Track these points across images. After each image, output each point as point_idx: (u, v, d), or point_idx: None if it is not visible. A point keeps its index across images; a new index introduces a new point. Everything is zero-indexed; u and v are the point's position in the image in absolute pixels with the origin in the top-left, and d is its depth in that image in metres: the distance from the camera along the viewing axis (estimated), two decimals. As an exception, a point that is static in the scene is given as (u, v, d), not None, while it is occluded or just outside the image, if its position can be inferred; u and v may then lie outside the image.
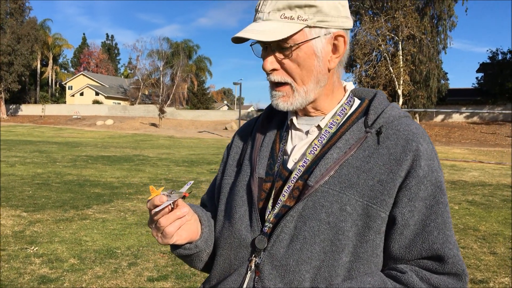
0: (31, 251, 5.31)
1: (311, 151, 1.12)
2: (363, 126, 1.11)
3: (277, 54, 1.09)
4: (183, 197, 1.04)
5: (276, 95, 1.12)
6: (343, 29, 1.10)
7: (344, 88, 1.21)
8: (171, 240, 1.06)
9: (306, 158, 1.12)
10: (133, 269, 4.82)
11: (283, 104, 1.12)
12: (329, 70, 1.12)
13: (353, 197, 1.03)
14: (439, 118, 39.04)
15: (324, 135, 1.13)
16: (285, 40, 1.05)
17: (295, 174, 1.10)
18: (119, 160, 16.20)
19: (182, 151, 21.56)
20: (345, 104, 1.17)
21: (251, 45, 1.14)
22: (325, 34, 1.08)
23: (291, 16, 1.05)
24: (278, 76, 1.10)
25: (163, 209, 1.02)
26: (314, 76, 1.09)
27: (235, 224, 1.14)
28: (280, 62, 1.09)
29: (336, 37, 1.10)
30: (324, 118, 1.15)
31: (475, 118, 37.55)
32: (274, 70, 1.10)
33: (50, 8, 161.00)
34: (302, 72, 1.08)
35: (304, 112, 1.18)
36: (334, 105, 1.17)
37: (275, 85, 1.12)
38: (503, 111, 31.77)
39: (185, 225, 1.09)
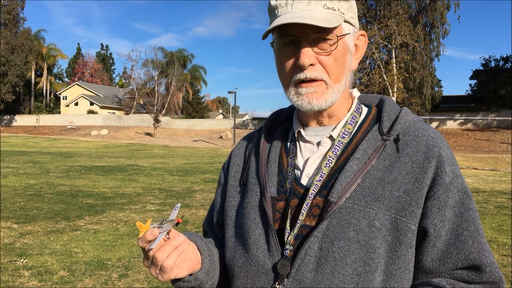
0: (21, 264, 5.25)
1: (326, 164, 1.03)
2: (379, 134, 1.04)
3: (315, 48, 0.99)
4: (177, 224, 0.96)
5: (307, 92, 1.01)
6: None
7: (350, 95, 1.14)
8: (172, 275, 0.96)
9: (322, 172, 1.03)
10: (124, 281, 4.77)
11: (317, 102, 1.01)
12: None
13: (380, 211, 0.96)
14: (433, 125, 39.17)
15: (338, 146, 1.05)
16: (331, 30, 0.98)
17: (313, 190, 1.02)
18: (113, 170, 16.12)
19: (177, 160, 21.49)
20: (355, 111, 1.10)
21: (273, 41, 1.05)
22: (354, 32, 1.04)
23: (333, 7, 0.99)
24: (314, 72, 1.00)
25: (158, 242, 0.93)
26: (345, 75, 1.03)
27: (250, 250, 1.05)
28: (316, 57, 0.99)
29: (358, 37, 1.06)
30: (335, 128, 1.08)
31: (469, 125, 37.69)
32: (310, 65, 1.00)
33: (44, 18, 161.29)
34: (338, 68, 1.01)
35: (316, 120, 1.10)
36: (345, 113, 1.09)
37: (307, 81, 1.01)
38: (497, 118, 31.97)
39: (184, 255, 0.99)
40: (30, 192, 10.53)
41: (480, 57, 57.19)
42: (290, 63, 1.02)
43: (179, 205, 1.05)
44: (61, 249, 5.92)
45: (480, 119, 36.49)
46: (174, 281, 1.03)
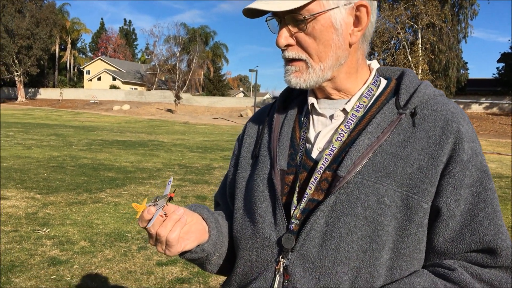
0: (43, 233, 5.37)
1: (338, 137, 1.01)
2: (395, 107, 1.00)
3: (292, 28, 0.98)
4: (170, 199, 0.97)
5: (289, 70, 1.02)
6: None
7: (369, 67, 1.10)
8: (179, 247, 0.96)
9: (332, 146, 1.00)
10: (143, 253, 4.84)
11: (295, 80, 1.01)
12: (350, 46, 1.00)
13: (391, 187, 0.93)
14: (458, 108, 38.45)
15: (351, 120, 1.02)
16: (299, 10, 0.94)
17: (322, 164, 0.99)
18: (134, 145, 16.31)
19: (197, 137, 21.62)
20: (372, 84, 1.06)
21: (266, 20, 1.03)
22: (345, 5, 0.97)
23: None
24: (292, 52, 1.00)
25: (156, 219, 0.95)
26: (332, 52, 0.98)
27: (257, 222, 1.04)
28: (295, 37, 0.98)
29: (358, 8, 0.98)
30: (349, 100, 1.04)
31: (495, 109, 36.86)
32: (288, 45, 1.00)
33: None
34: (319, 47, 0.98)
35: (324, 94, 1.07)
36: (359, 86, 1.05)
37: (289, 61, 1.02)
38: (524, 103, 31.17)
39: (189, 227, 0.99)
40: (53, 164, 10.73)
41: (509, 40, 55.60)
42: None
43: (171, 179, 1.04)
44: (82, 220, 6.04)
45: (506, 103, 35.63)
46: (182, 253, 1.03)
